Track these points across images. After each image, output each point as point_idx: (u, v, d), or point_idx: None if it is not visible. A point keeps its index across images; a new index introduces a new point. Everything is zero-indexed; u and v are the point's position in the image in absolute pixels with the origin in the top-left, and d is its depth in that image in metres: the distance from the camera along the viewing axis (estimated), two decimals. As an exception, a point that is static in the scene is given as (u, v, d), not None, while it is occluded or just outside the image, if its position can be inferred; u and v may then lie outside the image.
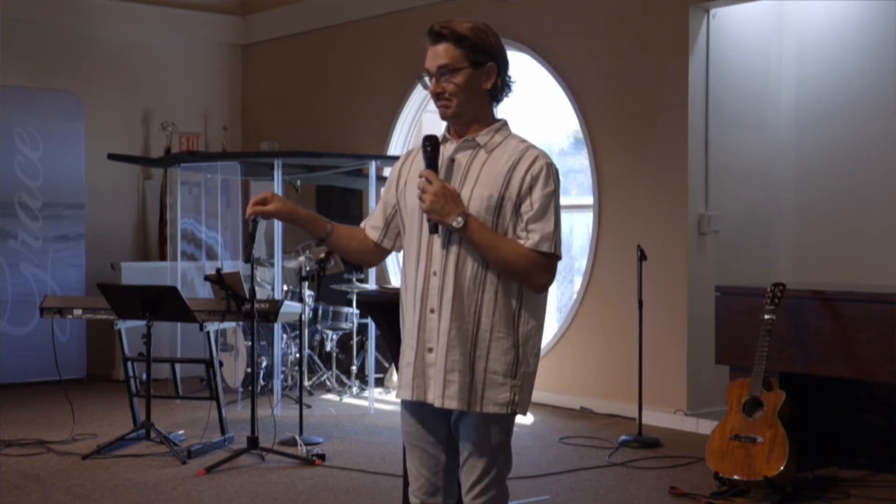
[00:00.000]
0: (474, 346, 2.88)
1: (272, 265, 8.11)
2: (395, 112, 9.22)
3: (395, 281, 9.31)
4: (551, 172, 2.90)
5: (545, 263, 2.86)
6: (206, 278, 6.51)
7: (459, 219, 2.81)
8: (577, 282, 8.07)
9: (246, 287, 6.40)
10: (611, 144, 7.71)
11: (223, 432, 6.45)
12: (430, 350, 2.91)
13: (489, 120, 2.97)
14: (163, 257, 9.52)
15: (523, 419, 7.54)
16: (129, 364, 6.71)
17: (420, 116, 9.29)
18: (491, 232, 2.85)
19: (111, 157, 8.64)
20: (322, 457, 6.07)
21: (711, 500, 5.21)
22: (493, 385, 2.89)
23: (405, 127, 9.28)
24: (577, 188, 8.50)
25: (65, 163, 9.13)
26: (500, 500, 3.01)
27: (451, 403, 2.88)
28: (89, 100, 9.50)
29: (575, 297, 7.97)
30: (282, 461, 6.04)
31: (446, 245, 2.88)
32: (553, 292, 8.79)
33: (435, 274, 2.90)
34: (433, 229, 2.87)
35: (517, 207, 2.87)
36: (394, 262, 9.42)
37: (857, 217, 7.20)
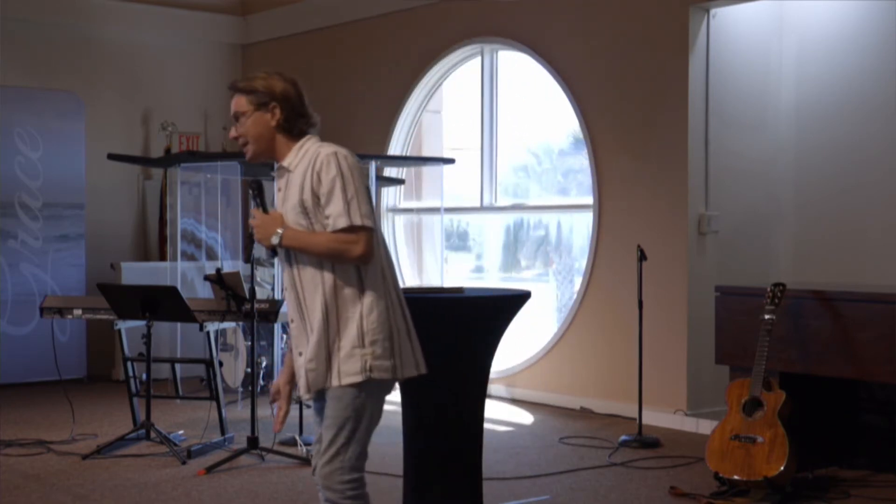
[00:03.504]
0: (327, 334, 3.24)
1: (272, 265, 8.10)
2: (395, 112, 9.22)
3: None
4: (332, 160, 3.21)
5: (350, 237, 3.19)
6: (206, 278, 6.51)
7: (275, 237, 3.25)
8: (577, 282, 8.06)
9: (246, 287, 6.40)
10: (611, 144, 7.71)
11: (223, 432, 6.45)
12: (301, 354, 3.32)
13: (292, 145, 3.34)
14: (163, 257, 9.51)
15: (523, 419, 7.55)
16: (129, 364, 6.71)
17: (420, 116, 9.30)
18: (304, 233, 3.24)
19: (111, 157, 8.64)
20: (322, 457, 6.06)
21: (711, 500, 5.21)
22: (346, 359, 3.23)
23: (405, 127, 9.28)
24: (577, 188, 8.49)
25: (65, 163, 9.13)
26: (345, 474, 3.25)
27: (318, 385, 3.27)
28: (89, 100, 9.50)
29: (575, 297, 7.97)
30: (282, 461, 6.04)
31: (285, 262, 3.32)
32: (553, 292, 8.80)
33: (286, 289, 3.36)
34: (271, 254, 3.35)
35: (318, 204, 3.22)
36: (393, 262, 9.40)
37: (857, 217, 7.20)
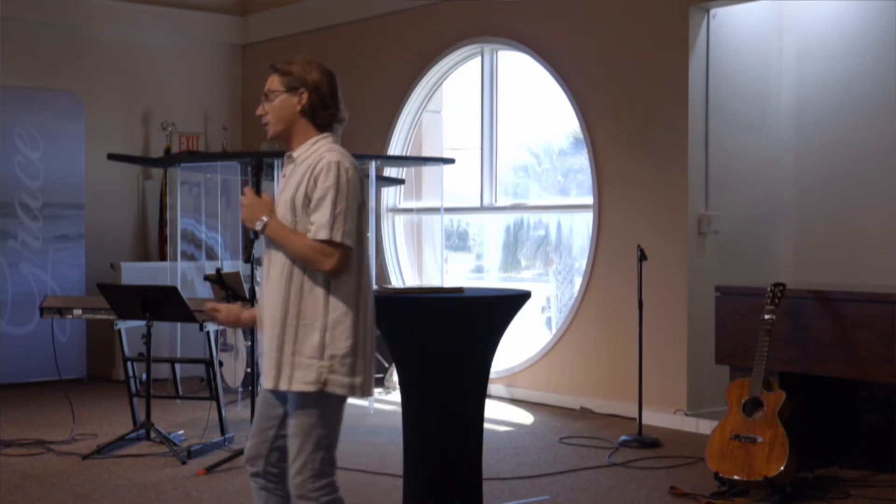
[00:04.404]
0: (283, 331, 3.28)
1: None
2: (395, 112, 9.22)
3: (394, 281, 9.31)
4: (333, 168, 3.25)
5: (326, 250, 3.23)
6: (206, 278, 6.51)
7: (259, 223, 3.31)
8: (577, 282, 8.06)
9: (246, 287, 6.40)
10: (611, 144, 7.71)
11: (223, 432, 6.45)
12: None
13: (310, 137, 3.38)
14: (163, 257, 9.51)
15: (523, 419, 7.55)
16: (129, 364, 6.71)
17: (420, 116, 9.30)
18: (286, 229, 3.29)
19: (111, 157, 8.63)
20: (322, 457, 6.06)
21: (711, 500, 5.21)
22: (300, 367, 3.27)
23: (405, 127, 9.28)
24: (577, 188, 8.50)
25: (65, 163, 9.13)
26: (316, 480, 3.30)
27: (267, 384, 3.33)
28: (89, 100, 9.50)
29: (575, 297, 7.97)
30: (282, 461, 6.04)
31: (266, 248, 3.38)
32: (553, 292, 8.80)
33: (263, 276, 3.41)
34: (254, 235, 3.39)
35: (307, 206, 3.27)
36: (393, 262, 9.42)
37: (857, 217, 7.20)
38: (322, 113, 3.36)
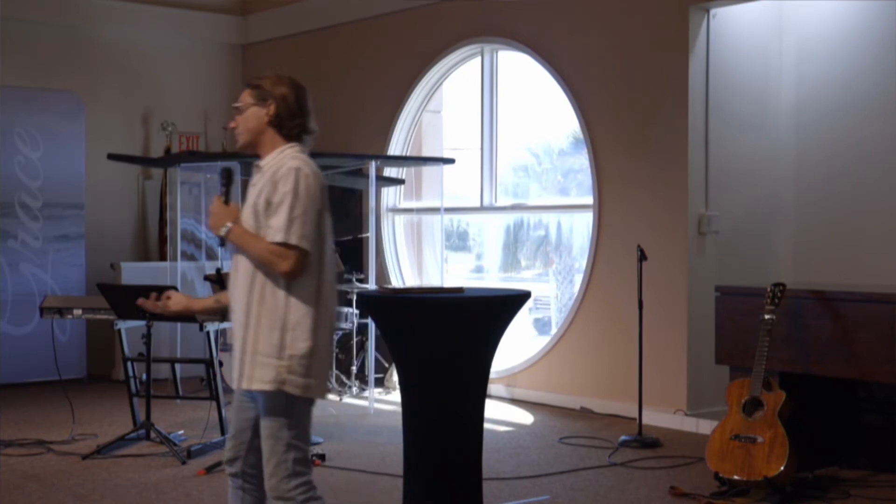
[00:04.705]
0: (245, 332, 3.38)
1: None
2: (395, 112, 9.22)
3: (394, 281, 9.31)
4: (292, 174, 3.34)
5: (282, 252, 3.32)
6: (206, 278, 6.49)
7: (223, 230, 3.41)
8: (577, 282, 8.07)
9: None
10: (611, 144, 7.71)
11: (223, 432, 6.44)
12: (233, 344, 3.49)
13: (277, 146, 3.48)
14: (163, 257, 9.52)
15: (523, 419, 7.55)
16: (129, 364, 6.71)
17: (420, 116, 9.30)
18: (248, 234, 3.39)
19: (111, 157, 8.64)
20: (322, 457, 6.07)
21: (711, 500, 5.21)
22: (260, 365, 3.36)
23: (405, 127, 9.28)
24: (577, 188, 8.50)
25: (65, 163, 9.13)
26: (291, 480, 3.36)
27: (233, 383, 3.45)
28: (89, 100, 9.50)
29: (575, 297, 7.97)
30: (282, 461, 6.03)
31: (232, 254, 3.49)
32: (553, 292, 8.80)
33: (231, 281, 3.50)
34: (220, 242, 3.47)
35: (268, 210, 3.36)
36: (393, 262, 9.42)
37: (857, 217, 7.20)
38: (289, 123, 3.46)
